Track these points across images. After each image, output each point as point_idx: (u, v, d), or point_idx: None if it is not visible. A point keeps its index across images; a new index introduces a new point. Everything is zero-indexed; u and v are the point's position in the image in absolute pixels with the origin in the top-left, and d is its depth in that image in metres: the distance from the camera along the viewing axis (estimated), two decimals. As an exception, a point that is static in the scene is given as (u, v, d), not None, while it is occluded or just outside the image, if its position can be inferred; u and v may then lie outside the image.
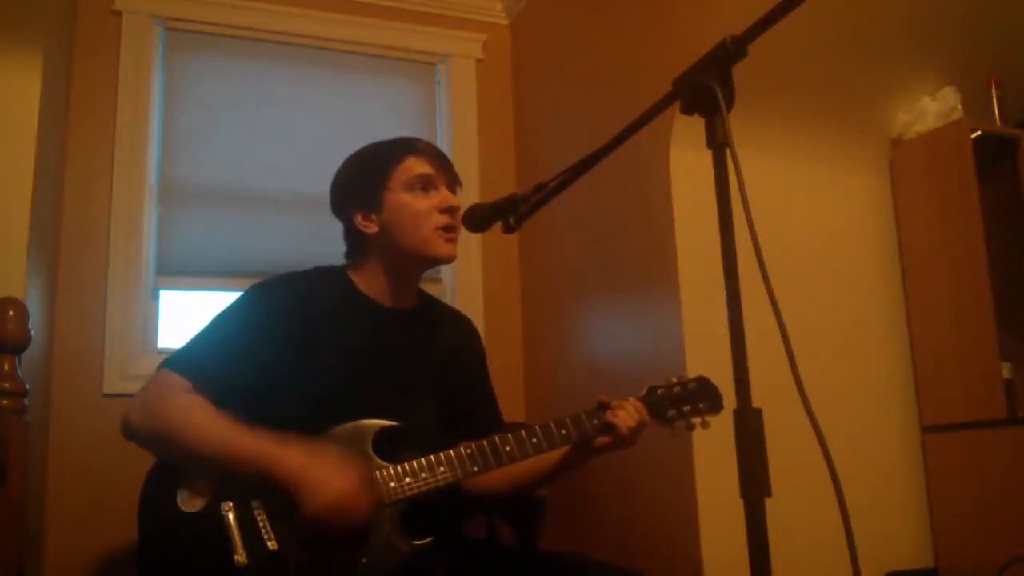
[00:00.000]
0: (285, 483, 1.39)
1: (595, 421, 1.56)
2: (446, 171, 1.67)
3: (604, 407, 1.57)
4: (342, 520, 1.39)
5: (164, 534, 1.43)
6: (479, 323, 3.07)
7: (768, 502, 0.94)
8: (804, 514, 1.98)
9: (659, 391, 1.62)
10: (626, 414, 1.56)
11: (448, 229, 1.63)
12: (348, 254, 1.72)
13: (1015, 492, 2.28)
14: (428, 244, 1.61)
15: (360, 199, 1.66)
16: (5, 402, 1.56)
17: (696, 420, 1.61)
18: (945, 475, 2.49)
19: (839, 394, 2.41)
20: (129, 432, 1.50)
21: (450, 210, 1.62)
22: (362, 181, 1.67)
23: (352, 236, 1.70)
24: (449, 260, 1.66)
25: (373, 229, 1.64)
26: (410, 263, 1.67)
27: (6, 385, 1.57)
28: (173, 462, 1.48)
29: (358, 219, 1.65)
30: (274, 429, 1.44)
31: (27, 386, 1.62)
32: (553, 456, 1.63)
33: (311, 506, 1.37)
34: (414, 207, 1.62)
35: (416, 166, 1.64)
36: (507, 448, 1.53)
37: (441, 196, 1.63)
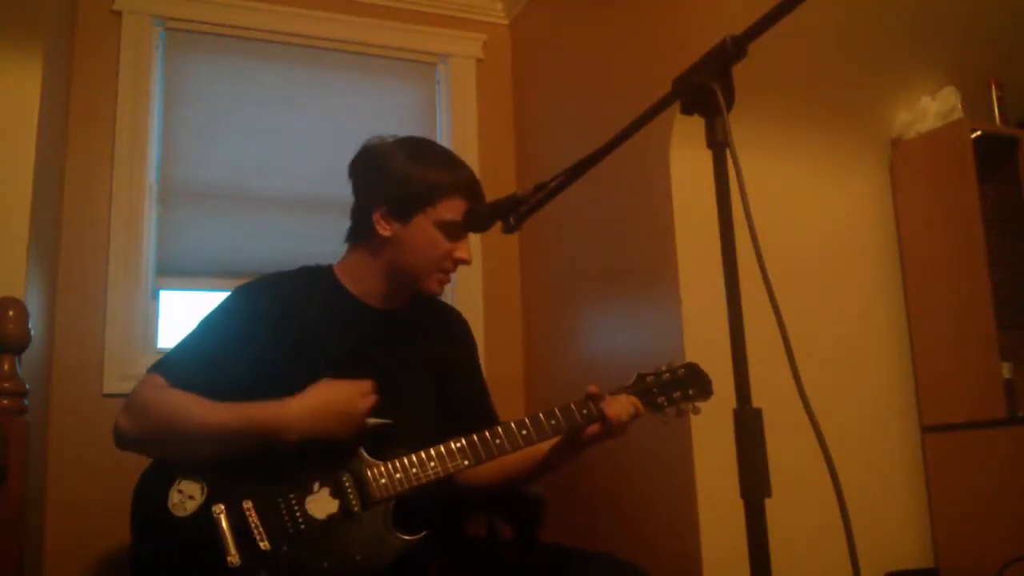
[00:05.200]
0: (310, 432, 1.44)
1: (584, 411, 1.55)
2: None
3: (593, 398, 1.56)
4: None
5: (156, 540, 1.43)
6: (479, 323, 3.07)
7: (768, 502, 0.94)
8: (804, 514, 1.99)
9: (648, 379, 1.60)
10: (620, 408, 1.54)
11: (448, 272, 1.65)
12: (350, 234, 1.69)
13: (1015, 492, 2.28)
14: (424, 280, 1.63)
15: (393, 200, 1.61)
16: (5, 402, 1.56)
17: (687, 406, 1.59)
18: (945, 475, 2.49)
19: (839, 394, 2.41)
20: (121, 438, 1.50)
21: (461, 263, 1.65)
22: (405, 185, 1.60)
23: (362, 220, 1.65)
24: (435, 295, 1.71)
25: (387, 233, 1.61)
26: (401, 280, 1.66)
27: (6, 385, 1.57)
28: (168, 459, 1.47)
29: (377, 214, 1.61)
30: None
31: (27, 386, 1.62)
32: (544, 448, 1.62)
33: (347, 435, 1.47)
34: (436, 245, 1.61)
35: (459, 212, 1.60)
36: (497, 441, 1.52)
37: (463, 249, 1.63)
